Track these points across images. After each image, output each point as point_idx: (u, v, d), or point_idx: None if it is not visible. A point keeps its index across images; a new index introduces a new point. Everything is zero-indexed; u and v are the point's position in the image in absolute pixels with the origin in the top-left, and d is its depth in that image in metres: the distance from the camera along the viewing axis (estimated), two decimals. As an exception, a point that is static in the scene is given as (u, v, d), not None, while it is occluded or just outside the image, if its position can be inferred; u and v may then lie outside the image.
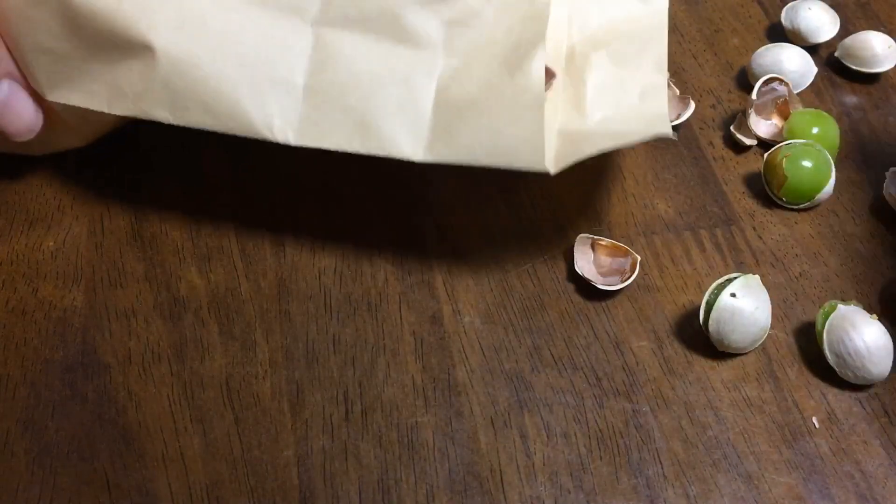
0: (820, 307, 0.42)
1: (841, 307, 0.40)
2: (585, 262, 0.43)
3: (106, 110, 0.40)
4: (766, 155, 0.47)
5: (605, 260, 0.43)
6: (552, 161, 0.38)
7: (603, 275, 0.43)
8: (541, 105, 0.37)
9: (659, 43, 0.42)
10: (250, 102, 0.39)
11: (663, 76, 0.41)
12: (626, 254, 0.43)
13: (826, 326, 0.40)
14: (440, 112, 0.38)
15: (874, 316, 0.40)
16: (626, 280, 0.42)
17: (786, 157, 0.45)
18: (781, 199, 0.46)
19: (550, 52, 0.41)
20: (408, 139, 0.38)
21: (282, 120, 0.39)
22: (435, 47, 0.39)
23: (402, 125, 0.38)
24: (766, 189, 0.47)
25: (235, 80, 0.39)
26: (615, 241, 0.44)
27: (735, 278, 0.41)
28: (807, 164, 0.45)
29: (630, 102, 0.40)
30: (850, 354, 0.40)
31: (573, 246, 0.43)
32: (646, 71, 0.41)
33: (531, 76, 0.38)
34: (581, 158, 0.38)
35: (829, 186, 0.46)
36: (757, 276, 0.41)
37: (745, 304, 0.40)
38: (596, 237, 0.44)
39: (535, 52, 0.38)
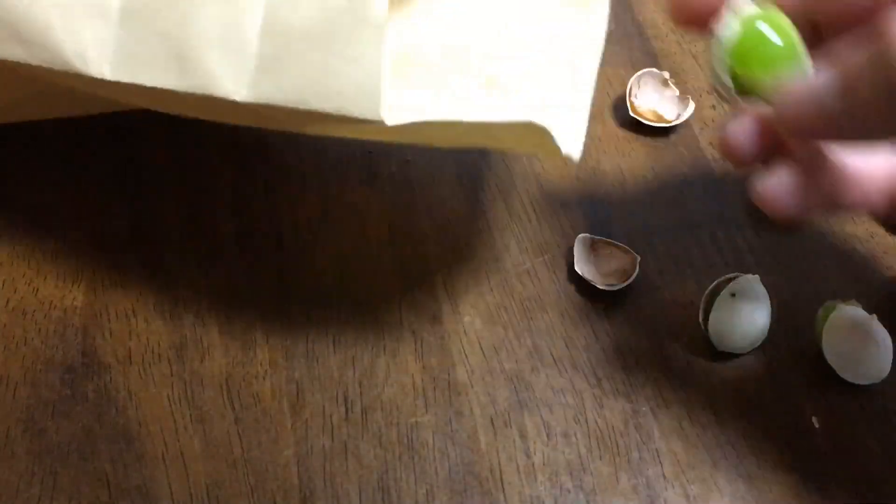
0: (820, 307, 0.42)
1: (841, 307, 0.40)
2: (585, 262, 0.43)
3: None
4: (765, 155, 0.47)
5: (605, 260, 0.43)
6: (387, 111, 0.33)
7: (603, 275, 0.43)
8: (380, 42, 0.32)
9: (589, 61, 0.39)
10: (62, 29, 0.34)
11: (586, 97, 0.38)
12: (626, 254, 0.43)
13: (826, 326, 0.40)
14: (268, 41, 0.33)
15: (874, 316, 0.40)
16: (626, 280, 0.42)
17: (785, 157, 0.45)
18: (781, 200, 0.46)
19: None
20: (230, 73, 0.33)
21: (97, 50, 0.34)
22: None
23: (223, 56, 0.33)
24: (766, 189, 0.47)
25: (46, 3, 0.34)
26: (615, 241, 0.44)
27: (735, 277, 0.41)
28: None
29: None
30: (849, 354, 0.40)
31: (573, 246, 0.44)
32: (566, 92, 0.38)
33: (372, 7, 0.32)
34: (423, 120, 0.34)
35: (829, 186, 0.46)
36: (756, 276, 0.41)
37: (744, 304, 0.40)
38: (596, 237, 0.44)
39: None
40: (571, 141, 0.35)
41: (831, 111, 0.29)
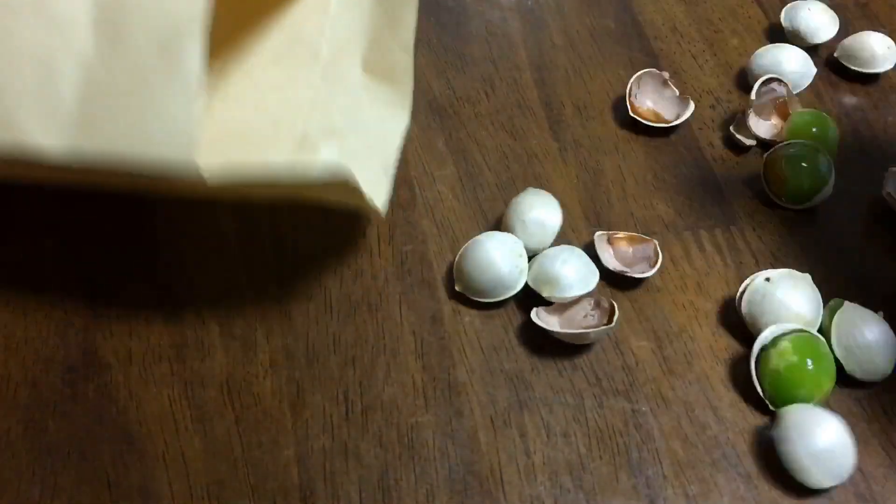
0: (826, 304, 0.42)
1: (847, 304, 0.41)
2: (609, 256, 0.43)
3: None
4: (765, 155, 0.47)
5: (627, 250, 0.43)
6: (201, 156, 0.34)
7: (628, 265, 0.43)
8: (192, 92, 0.33)
9: (389, 150, 0.42)
10: None
11: (387, 177, 0.41)
12: (644, 242, 0.43)
13: (835, 321, 0.40)
14: (86, 101, 0.34)
15: (880, 313, 0.40)
16: (654, 265, 0.42)
17: (785, 157, 0.45)
18: (781, 200, 0.46)
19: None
20: (46, 131, 0.34)
21: None
22: (82, 26, 0.34)
23: (39, 113, 0.34)
24: (766, 189, 0.47)
25: None
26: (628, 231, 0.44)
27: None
28: (806, 164, 0.45)
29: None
30: (859, 348, 0.40)
31: (593, 243, 0.43)
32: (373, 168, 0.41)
33: (184, 61, 0.33)
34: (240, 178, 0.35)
35: (829, 187, 0.46)
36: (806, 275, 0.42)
37: (777, 290, 0.40)
38: (611, 232, 0.44)
39: (192, 35, 0.33)
40: (378, 196, 0.40)
41: None
